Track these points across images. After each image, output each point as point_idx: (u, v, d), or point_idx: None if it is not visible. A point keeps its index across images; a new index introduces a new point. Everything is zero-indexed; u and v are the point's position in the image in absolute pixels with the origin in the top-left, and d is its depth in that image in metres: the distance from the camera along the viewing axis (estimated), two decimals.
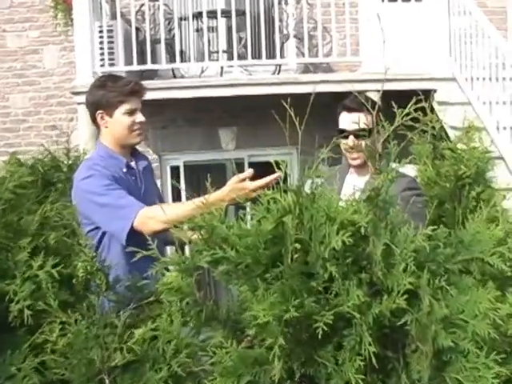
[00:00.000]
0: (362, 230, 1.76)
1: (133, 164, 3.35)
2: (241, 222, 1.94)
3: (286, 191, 1.83)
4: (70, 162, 4.94)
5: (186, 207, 2.65)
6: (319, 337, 1.69)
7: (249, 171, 2.76)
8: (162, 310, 2.05)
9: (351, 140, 3.33)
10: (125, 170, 3.28)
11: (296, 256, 1.81)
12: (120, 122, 3.24)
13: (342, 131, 3.36)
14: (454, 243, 1.89)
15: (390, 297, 1.72)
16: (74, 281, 2.10)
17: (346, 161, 3.49)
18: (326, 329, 1.69)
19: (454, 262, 1.84)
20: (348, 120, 3.35)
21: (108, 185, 3.10)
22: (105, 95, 3.23)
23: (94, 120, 3.32)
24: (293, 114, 1.84)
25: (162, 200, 3.67)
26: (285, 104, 1.89)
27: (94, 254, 2.14)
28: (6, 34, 9.04)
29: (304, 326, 1.76)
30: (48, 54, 8.99)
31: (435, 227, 1.83)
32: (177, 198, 8.91)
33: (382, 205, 1.74)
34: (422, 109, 2.39)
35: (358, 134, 3.31)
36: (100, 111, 3.25)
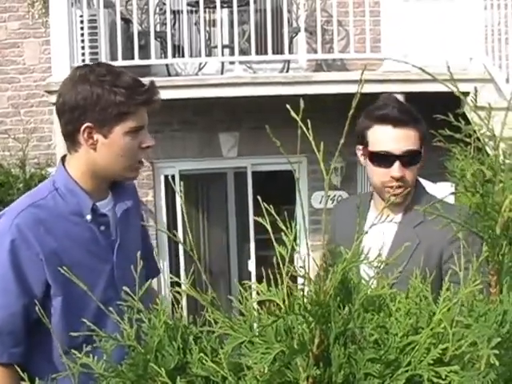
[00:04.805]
0: None
1: (106, 207, 2.15)
2: None
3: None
4: (27, 176, 4.04)
5: None
6: None
7: None
8: None
9: (399, 169, 2.31)
10: (89, 217, 2.08)
11: None
12: (119, 145, 2.04)
13: (383, 155, 2.32)
14: None
15: None
16: None
17: (369, 192, 2.54)
18: None
19: None
20: (394, 138, 2.32)
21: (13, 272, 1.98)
22: (102, 98, 1.99)
23: (70, 133, 2.06)
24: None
25: (150, 252, 2.45)
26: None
27: None
28: None
29: None
30: (29, 48, 8.07)
31: None
32: (172, 211, 8.05)
33: None
34: (458, 115, 2.06)
35: (408, 161, 2.32)
36: (89, 124, 2.00)
